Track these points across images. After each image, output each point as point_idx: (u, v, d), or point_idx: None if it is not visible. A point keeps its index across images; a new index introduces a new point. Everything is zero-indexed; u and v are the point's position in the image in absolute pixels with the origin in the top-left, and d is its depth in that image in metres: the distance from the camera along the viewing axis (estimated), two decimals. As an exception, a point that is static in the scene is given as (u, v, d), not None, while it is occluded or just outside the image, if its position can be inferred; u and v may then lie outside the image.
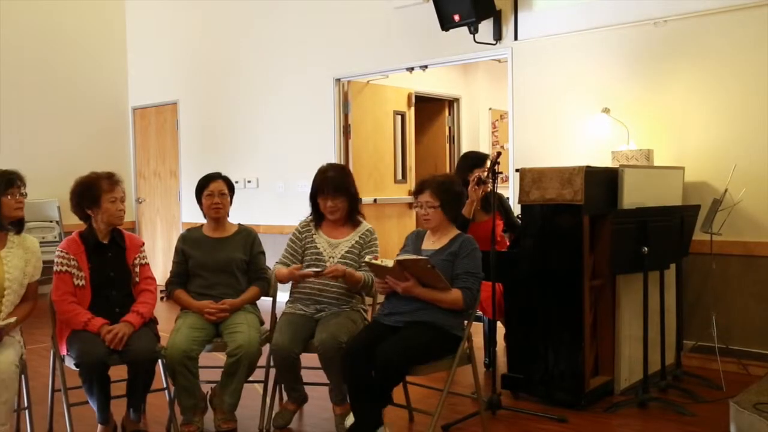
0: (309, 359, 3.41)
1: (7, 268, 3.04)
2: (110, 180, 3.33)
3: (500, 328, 4.41)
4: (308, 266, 3.47)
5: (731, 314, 4.51)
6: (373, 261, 3.23)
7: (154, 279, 3.47)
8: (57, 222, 7.51)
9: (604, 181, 3.92)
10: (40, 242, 7.16)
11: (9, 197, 3.07)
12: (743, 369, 4.35)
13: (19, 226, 3.18)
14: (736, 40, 4.52)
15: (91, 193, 3.28)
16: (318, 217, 3.60)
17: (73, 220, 3.38)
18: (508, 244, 4.43)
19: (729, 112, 4.56)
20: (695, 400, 3.84)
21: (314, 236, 3.56)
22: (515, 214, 4.58)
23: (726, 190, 4.32)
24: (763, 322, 4.42)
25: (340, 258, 3.46)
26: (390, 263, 3.14)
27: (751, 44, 4.46)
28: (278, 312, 3.73)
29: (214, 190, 3.68)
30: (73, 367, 3.16)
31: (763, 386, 3.58)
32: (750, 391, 3.50)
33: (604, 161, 4.82)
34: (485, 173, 4.40)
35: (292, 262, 3.53)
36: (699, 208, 4.32)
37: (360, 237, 3.53)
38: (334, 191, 3.48)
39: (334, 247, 3.51)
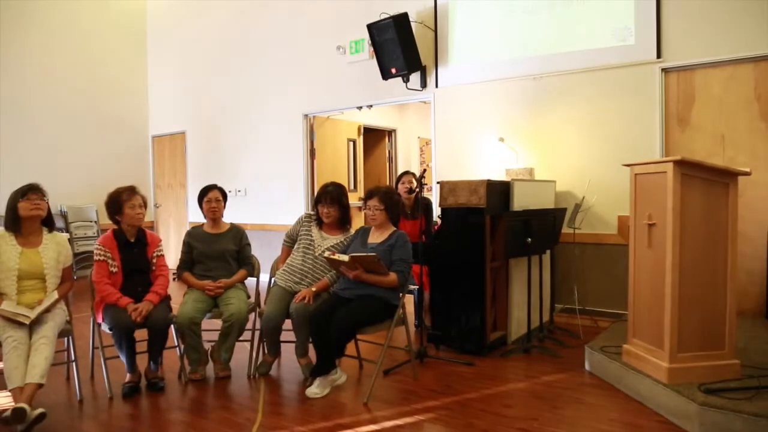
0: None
1: (45, 259, 3.00)
2: (129, 191, 3.28)
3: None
4: (302, 248, 3.46)
5: (587, 285, 4.65)
6: (331, 256, 3.16)
7: (167, 267, 3.42)
8: (95, 222, 7.49)
9: (500, 191, 3.98)
10: (83, 237, 7.33)
11: (24, 202, 2.96)
12: (595, 323, 4.50)
13: (49, 225, 3.09)
14: (591, 92, 4.65)
15: (116, 204, 3.25)
16: (319, 219, 3.53)
17: (108, 220, 3.33)
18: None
19: (587, 141, 4.69)
20: (562, 346, 3.96)
21: (312, 227, 3.52)
22: (434, 220, 4.66)
23: (584, 197, 4.46)
24: (607, 290, 4.55)
25: (326, 248, 3.42)
26: (345, 258, 3.10)
27: (602, 95, 4.60)
28: (261, 289, 3.71)
29: (211, 197, 3.65)
30: (108, 331, 3.12)
31: (607, 335, 3.73)
32: (599, 339, 3.66)
33: (500, 176, 4.92)
34: (414, 185, 4.52)
35: (288, 244, 3.60)
36: (566, 210, 4.45)
37: (344, 239, 3.48)
38: (330, 202, 3.45)
39: (324, 240, 3.47)
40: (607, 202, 4.52)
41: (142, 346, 3.23)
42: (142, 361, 3.29)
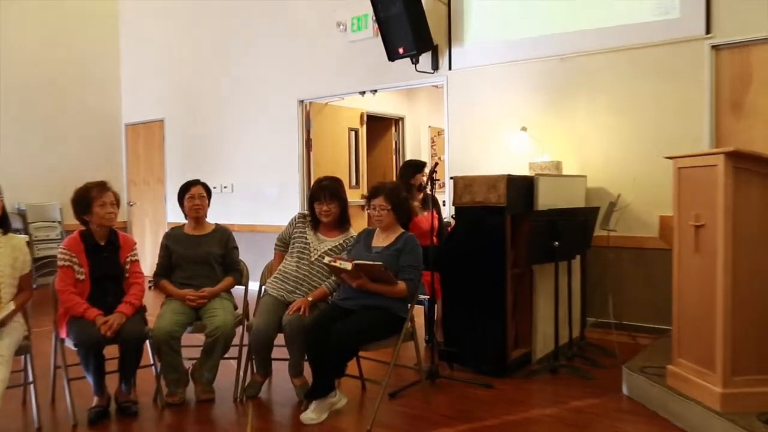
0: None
1: None
2: (100, 188, 3.27)
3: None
4: (296, 253, 3.44)
5: (624, 296, 4.61)
6: (332, 263, 3.13)
7: (142, 274, 3.40)
8: (59, 222, 7.49)
9: (522, 187, 3.95)
10: (44, 239, 7.26)
11: None
12: (633, 340, 4.45)
13: (4, 226, 3.07)
14: (627, 74, 4.61)
15: (84, 201, 3.24)
16: (315, 220, 3.51)
17: (74, 220, 3.33)
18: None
19: (621, 130, 4.66)
20: (596, 366, 3.92)
21: (306, 229, 3.51)
22: (445, 220, 4.60)
23: (619, 195, 4.42)
24: (648, 302, 4.52)
25: (323, 252, 3.41)
26: (348, 266, 3.06)
27: (637, 77, 4.57)
28: (250, 299, 3.69)
29: (194, 193, 3.64)
30: (72, 347, 3.10)
31: (648, 353, 3.69)
32: (638, 358, 3.62)
33: (522, 170, 4.88)
34: (425, 180, 4.45)
35: (281, 248, 3.60)
36: (598, 209, 4.40)
37: (344, 241, 3.47)
38: (329, 198, 3.43)
39: (320, 242, 3.46)
40: (647, 201, 4.48)
41: (112, 365, 3.20)
42: (112, 382, 3.26)
